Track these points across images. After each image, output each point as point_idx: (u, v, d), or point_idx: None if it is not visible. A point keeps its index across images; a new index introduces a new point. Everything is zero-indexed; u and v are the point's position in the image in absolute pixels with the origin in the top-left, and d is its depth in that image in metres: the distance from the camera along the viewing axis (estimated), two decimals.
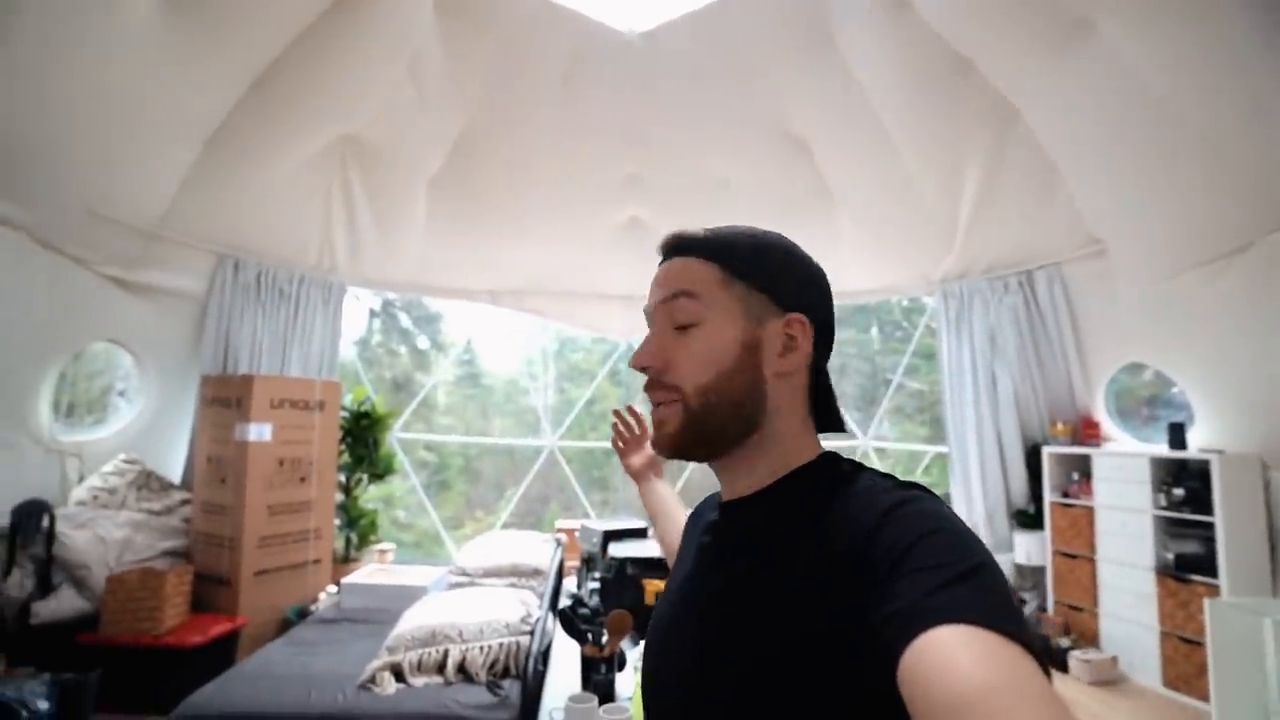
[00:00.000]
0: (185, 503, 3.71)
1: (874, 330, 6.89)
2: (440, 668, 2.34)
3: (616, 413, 1.21)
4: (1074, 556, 3.79)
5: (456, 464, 6.86)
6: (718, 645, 0.56)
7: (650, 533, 2.90)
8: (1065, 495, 3.89)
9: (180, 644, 3.00)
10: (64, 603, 3.07)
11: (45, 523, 3.11)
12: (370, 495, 4.95)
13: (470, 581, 3.22)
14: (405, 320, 7.18)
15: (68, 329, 3.42)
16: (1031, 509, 4.09)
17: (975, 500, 4.24)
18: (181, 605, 3.22)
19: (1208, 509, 3.12)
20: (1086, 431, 3.91)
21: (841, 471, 0.60)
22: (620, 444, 1.19)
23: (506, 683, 2.33)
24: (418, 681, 2.28)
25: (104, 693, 2.86)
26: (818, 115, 4.10)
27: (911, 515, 0.49)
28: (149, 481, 3.63)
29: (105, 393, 4.07)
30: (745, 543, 0.61)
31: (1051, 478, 3.94)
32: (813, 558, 0.53)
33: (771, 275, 0.64)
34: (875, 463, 5.53)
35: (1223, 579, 3.03)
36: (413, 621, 2.53)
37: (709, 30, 3.73)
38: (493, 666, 2.37)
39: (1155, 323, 3.56)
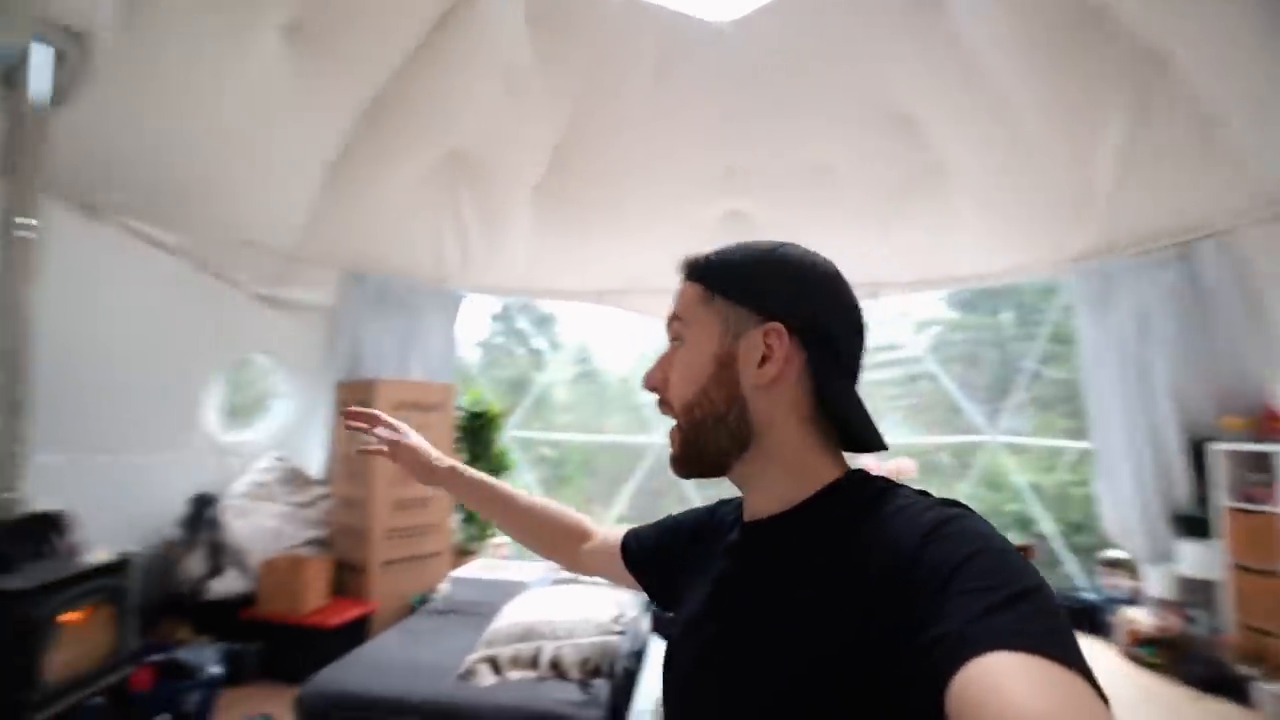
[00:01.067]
0: (325, 496, 4.12)
1: (1006, 315, 6.29)
2: (534, 663, 2.42)
3: (346, 414, 1.05)
4: (1258, 571, 3.24)
5: (576, 459, 7.08)
6: (747, 666, 0.56)
7: None
8: (1247, 499, 3.33)
9: (321, 624, 3.34)
10: (230, 582, 3.51)
11: (214, 512, 3.58)
12: None
13: (572, 578, 3.30)
14: (522, 322, 7.50)
15: (227, 343, 3.92)
16: (1199, 514, 3.55)
17: (1125, 502, 3.74)
18: (322, 589, 3.58)
19: None
20: (1269, 425, 3.33)
21: (874, 489, 0.58)
22: (385, 457, 1.03)
23: (598, 681, 2.36)
24: (512, 675, 2.37)
25: (259, 663, 3.26)
26: (925, 88, 3.78)
27: (955, 535, 0.48)
28: (294, 477, 4.07)
29: (265, 397, 4.61)
30: (773, 567, 0.60)
31: (1224, 479, 3.40)
32: (850, 578, 0.51)
33: (753, 288, 0.63)
34: (1006, 461, 5.05)
35: None
36: (510, 617, 2.64)
37: (802, 10, 3.55)
38: (585, 664, 2.41)
39: None
